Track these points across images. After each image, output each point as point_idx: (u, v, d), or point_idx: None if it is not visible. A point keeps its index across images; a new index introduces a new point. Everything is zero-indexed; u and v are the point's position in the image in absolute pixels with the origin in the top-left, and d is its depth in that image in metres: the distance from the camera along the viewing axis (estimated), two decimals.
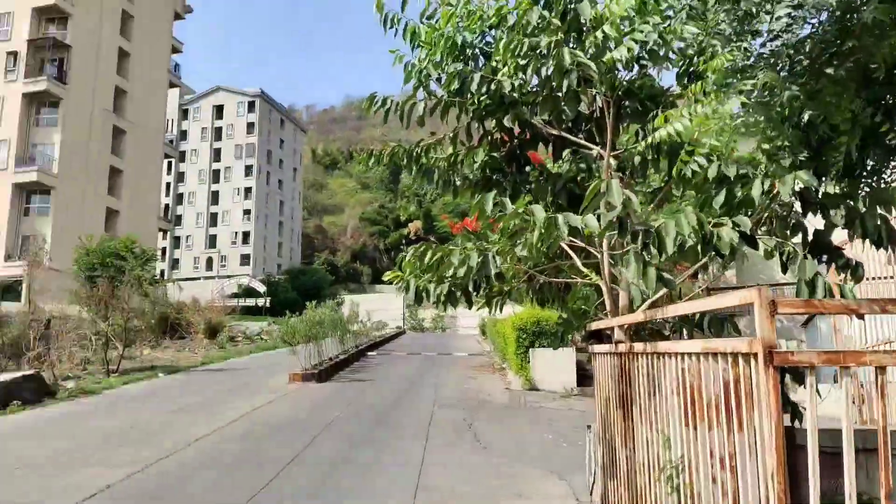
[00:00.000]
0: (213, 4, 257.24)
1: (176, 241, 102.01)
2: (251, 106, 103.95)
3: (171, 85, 66.62)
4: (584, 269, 6.36)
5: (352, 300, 35.63)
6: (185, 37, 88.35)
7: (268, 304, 61.18)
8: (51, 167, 51.06)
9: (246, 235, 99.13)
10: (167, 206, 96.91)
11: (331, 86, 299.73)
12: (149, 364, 23.73)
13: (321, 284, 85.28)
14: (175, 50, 66.36)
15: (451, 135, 6.73)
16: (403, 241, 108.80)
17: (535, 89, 6.14)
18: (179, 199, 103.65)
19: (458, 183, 6.65)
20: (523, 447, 9.94)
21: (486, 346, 32.97)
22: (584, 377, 16.83)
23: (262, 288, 69.84)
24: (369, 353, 27.19)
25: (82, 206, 52.76)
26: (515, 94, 6.07)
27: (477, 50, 6.41)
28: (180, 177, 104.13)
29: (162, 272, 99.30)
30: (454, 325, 70.21)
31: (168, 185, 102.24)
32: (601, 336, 6.76)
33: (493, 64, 6.26)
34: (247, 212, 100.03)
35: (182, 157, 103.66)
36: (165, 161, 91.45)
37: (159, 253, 45.67)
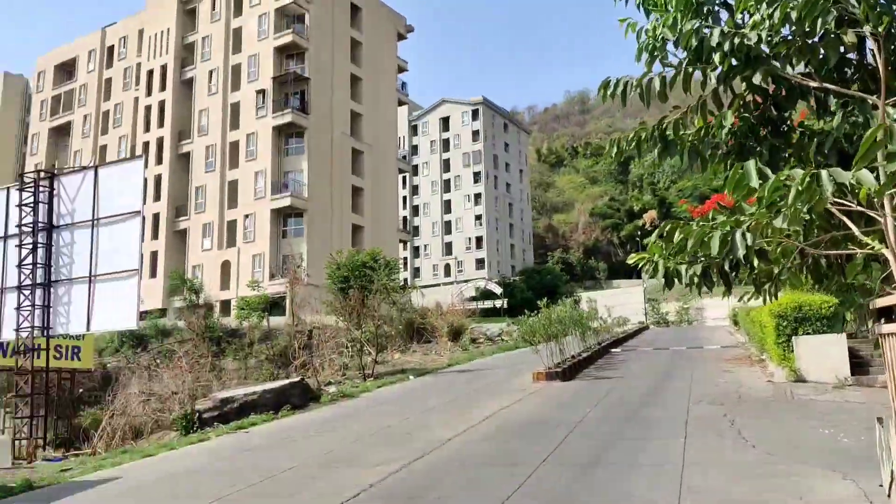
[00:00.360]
0: (431, 21, 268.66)
1: (415, 251, 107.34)
2: (475, 114, 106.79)
3: (400, 103, 70.28)
4: (864, 238, 5.45)
5: (589, 297, 34.99)
6: (407, 55, 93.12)
7: (505, 306, 62.15)
8: (301, 192, 55.77)
9: (479, 240, 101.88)
10: (405, 218, 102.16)
11: (550, 84, 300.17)
12: (399, 367, 24.88)
13: (556, 283, 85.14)
14: (401, 69, 69.87)
15: (695, 106, 6.09)
16: (639, 233, 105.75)
17: (787, 38, 5.39)
18: (416, 210, 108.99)
19: (707, 154, 6.01)
20: (796, 444, 8.92)
21: (739, 337, 30.82)
22: (858, 365, 15.04)
23: (498, 290, 71.23)
24: (612, 350, 26.46)
25: (331, 225, 57.06)
26: (764, 47, 5.37)
27: (716, 6, 5.77)
28: (415, 189, 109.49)
29: (405, 280, 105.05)
30: (701, 317, 66.85)
31: (404, 198, 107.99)
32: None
33: (736, 19, 5.60)
34: (478, 217, 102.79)
35: (415, 170, 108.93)
36: (400, 175, 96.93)
37: (401, 262, 48.26)
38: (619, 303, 50.10)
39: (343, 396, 16.98)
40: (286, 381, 16.04)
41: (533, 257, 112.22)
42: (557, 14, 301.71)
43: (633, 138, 6.27)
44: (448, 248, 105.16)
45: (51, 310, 17.58)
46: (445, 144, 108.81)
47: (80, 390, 37.72)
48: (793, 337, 15.38)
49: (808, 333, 15.33)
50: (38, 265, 17.68)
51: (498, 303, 65.95)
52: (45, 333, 17.68)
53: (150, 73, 65.68)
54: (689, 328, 52.81)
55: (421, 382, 19.64)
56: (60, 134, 74.90)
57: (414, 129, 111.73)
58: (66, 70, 76.56)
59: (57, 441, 27.32)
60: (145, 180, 63.66)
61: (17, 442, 17.96)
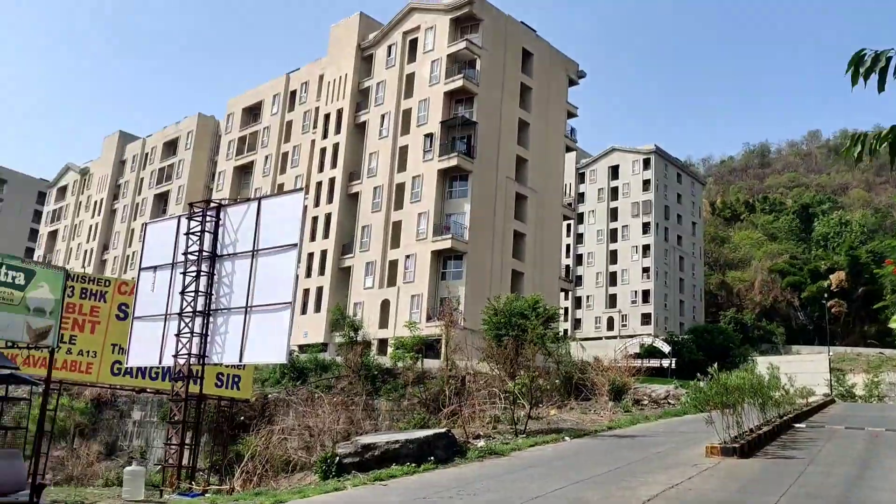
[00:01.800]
0: (603, 67, 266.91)
1: (577, 302, 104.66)
2: (646, 163, 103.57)
3: (568, 149, 69.10)
4: None
5: (770, 363, 31.68)
6: (578, 101, 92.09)
7: (673, 366, 58.52)
8: (463, 234, 55.62)
9: (646, 294, 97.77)
10: (567, 266, 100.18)
11: (727, 136, 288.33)
12: (554, 426, 23.27)
13: (728, 344, 79.53)
14: (570, 115, 68.82)
15: None
16: (825, 295, 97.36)
17: None
18: (579, 259, 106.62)
19: None
20: None
21: None
22: None
23: (666, 348, 67.41)
24: (796, 425, 23.42)
25: (490, 269, 56.42)
26: None
27: None
28: (579, 238, 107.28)
29: (565, 332, 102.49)
30: (894, 393, 59.79)
31: (568, 246, 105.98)
32: None
33: None
34: (645, 270, 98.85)
35: (580, 218, 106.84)
36: (564, 223, 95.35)
37: (561, 312, 46.54)
38: (800, 371, 45.63)
39: (491, 453, 15.69)
40: (431, 432, 14.99)
41: (703, 315, 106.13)
42: (735, 63, 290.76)
43: (886, 134, 4.65)
44: (612, 301, 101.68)
45: (208, 338, 17.65)
46: (614, 193, 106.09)
47: (242, 418, 38.85)
48: None
49: None
50: (200, 293, 17.86)
51: (665, 362, 62.26)
52: (201, 362, 17.74)
53: (327, 116, 68.68)
54: (885, 406, 47.01)
55: (577, 445, 17.96)
56: (243, 172, 79.96)
57: (581, 177, 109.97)
58: (252, 112, 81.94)
59: (213, 468, 27.86)
60: (316, 218, 66.35)
61: (164, 470, 18.07)
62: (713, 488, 11.28)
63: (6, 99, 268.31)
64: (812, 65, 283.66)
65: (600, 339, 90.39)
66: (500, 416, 24.81)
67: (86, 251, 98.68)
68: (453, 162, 56.66)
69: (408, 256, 58.30)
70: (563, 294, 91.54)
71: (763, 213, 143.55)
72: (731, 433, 16.45)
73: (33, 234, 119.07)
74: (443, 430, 15.39)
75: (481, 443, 17.64)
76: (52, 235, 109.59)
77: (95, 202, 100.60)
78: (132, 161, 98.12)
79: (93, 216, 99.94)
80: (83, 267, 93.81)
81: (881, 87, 4.43)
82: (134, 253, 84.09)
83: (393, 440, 14.05)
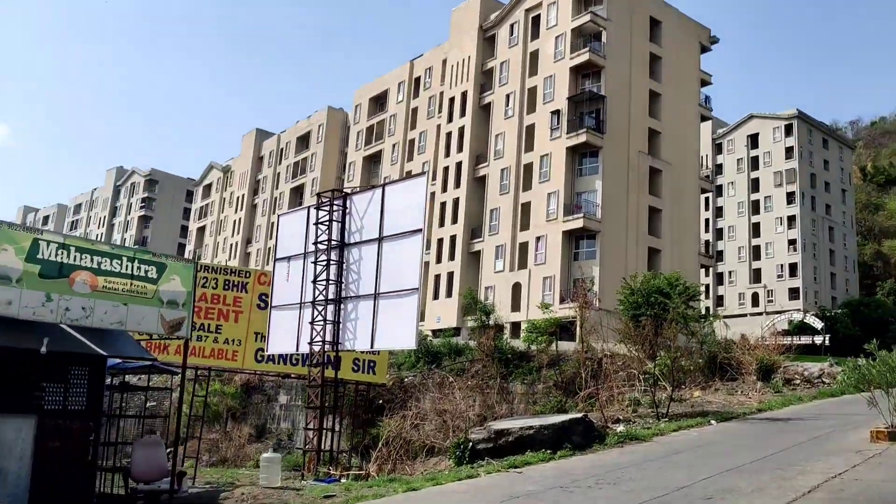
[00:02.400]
0: (739, 30, 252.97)
1: (719, 278, 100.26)
2: (788, 129, 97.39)
3: (703, 118, 65.90)
4: None
5: None
6: (712, 68, 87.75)
7: (827, 342, 54.77)
8: (595, 213, 54.19)
9: (792, 267, 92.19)
10: (707, 242, 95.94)
11: (878, 95, 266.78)
12: (699, 409, 22.12)
13: (888, 318, 73.80)
14: (703, 83, 65.53)
15: None
16: None
17: None
18: (719, 234, 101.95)
19: None
20: None
21: None
22: None
23: (818, 324, 63.17)
24: None
25: (625, 248, 54.74)
26: None
27: None
28: (718, 212, 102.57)
29: (707, 309, 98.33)
30: None
31: (707, 220, 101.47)
32: None
33: None
34: (791, 242, 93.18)
35: (719, 191, 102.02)
36: (702, 196, 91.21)
37: (702, 289, 44.33)
38: None
39: (631, 439, 14.95)
40: (567, 417, 14.44)
41: (858, 288, 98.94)
42: (880, 14, 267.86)
43: None
44: (756, 276, 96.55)
45: (339, 325, 17.83)
46: (754, 163, 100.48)
47: (380, 402, 39.53)
48: None
49: None
50: (331, 281, 18.06)
51: (818, 339, 58.34)
52: (335, 348, 17.96)
53: (452, 100, 68.72)
54: None
55: (724, 429, 16.88)
56: (372, 161, 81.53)
57: (718, 148, 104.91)
58: (378, 102, 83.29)
59: (354, 449, 28.49)
60: (444, 203, 66.67)
61: (305, 453, 18.46)
62: (883, 478, 10.13)
63: (153, 104, 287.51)
64: None
65: (745, 315, 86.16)
66: (639, 399, 23.82)
67: (231, 245, 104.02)
68: (582, 138, 55.22)
69: (538, 238, 57.49)
70: (703, 270, 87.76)
71: None
72: None
73: (183, 230, 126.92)
74: (579, 414, 14.79)
75: (620, 427, 16.91)
76: (201, 231, 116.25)
77: (237, 198, 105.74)
78: (269, 157, 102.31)
79: (236, 211, 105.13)
80: (229, 260, 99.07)
81: None
82: (274, 245, 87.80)
83: (527, 426, 13.61)
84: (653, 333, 33.81)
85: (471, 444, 13.79)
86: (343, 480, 14.02)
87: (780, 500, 8.79)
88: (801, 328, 65.23)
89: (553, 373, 38.96)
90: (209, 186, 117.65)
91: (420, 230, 16.57)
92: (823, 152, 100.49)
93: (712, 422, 18.10)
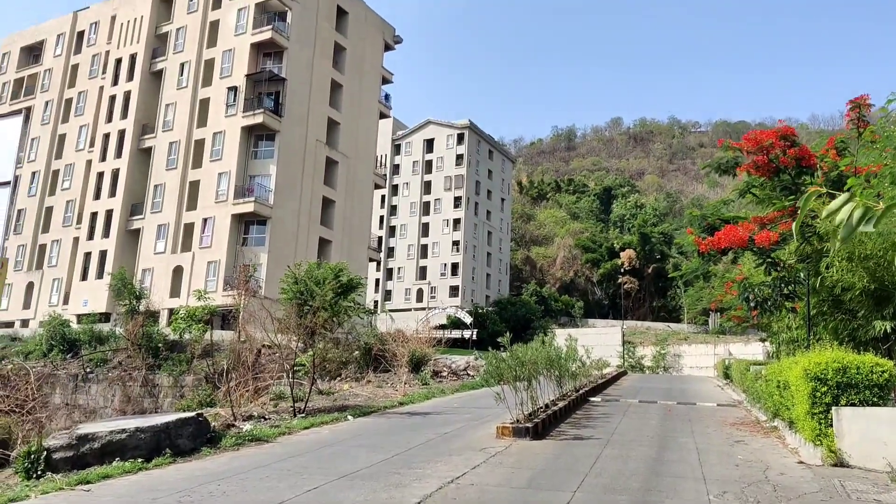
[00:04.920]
0: (420, 39, 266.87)
1: (389, 273, 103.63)
2: (460, 138, 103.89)
3: (382, 115, 66.90)
4: None
5: (569, 334, 31.44)
6: (393, 69, 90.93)
7: (474, 337, 58.45)
8: (267, 198, 52.04)
9: (455, 267, 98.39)
10: (380, 238, 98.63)
11: (537, 119, 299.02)
12: (343, 402, 21.16)
13: (530, 316, 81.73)
14: (385, 80, 66.67)
15: None
16: (620, 273, 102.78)
17: None
18: (392, 231, 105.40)
19: None
20: None
21: (733, 394, 27.38)
22: None
23: (468, 319, 67.48)
24: (592, 399, 22.89)
25: (296, 236, 53.33)
26: None
27: None
28: (393, 210, 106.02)
29: (376, 303, 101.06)
30: (678, 364, 63.62)
31: (381, 218, 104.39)
32: None
33: None
34: (455, 243, 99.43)
35: (395, 190, 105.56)
36: (378, 193, 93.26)
37: (365, 280, 44.13)
38: (596, 343, 46.73)
39: (253, 440, 13.21)
40: (174, 417, 12.23)
41: (508, 289, 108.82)
42: (549, 47, 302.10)
43: None
44: (423, 273, 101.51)
45: None
46: (428, 166, 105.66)
47: None
48: (833, 408, 11.90)
49: (852, 404, 11.87)
50: None
51: (467, 333, 62.16)
52: None
53: (119, 61, 61.97)
54: (671, 377, 49.39)
55: (359, 426, 15.90)
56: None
57: (397, 149, 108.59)
58: (32, 52, 72.58)
59: None
60: (101, 174, 59.71)
61: None
62: (499, 482, 9.54)
63: None
64: (617, 56, 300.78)
65: (410, 310, 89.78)
66: (283, 393, 22.29)
67: None
68: (259, 119, 52.71)
69: (205, 220, 53.80)
70: (374, 265, 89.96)
71: (567, 194, 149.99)
72: (525, 409, 15.08)
73: None
74: (191, 413, 12.66)
75: (248, 426, 15.11)
76: None
77: None
78: None
79: None
80: None
81: None
82: None
83: (119, 429, 11.16)
84: (312, 324, 32.81)
85: (45, 452, 10.99)
86: None
87: None
88: (456, 323, 69.30)
89: (206, 364, 36.21)
90: None
91: (8, 183, 13.24)
92: (489, 163, 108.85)
93: (349, 417, 17.11)
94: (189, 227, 54.74)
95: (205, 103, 56.70)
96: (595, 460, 11.36)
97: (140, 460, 10.65)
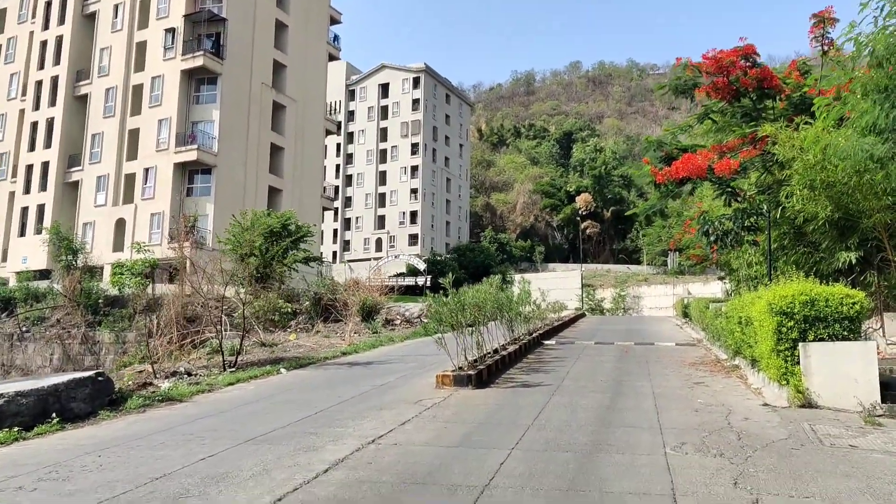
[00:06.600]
0: None
1: (347, 223, 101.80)
2: (416, 82, 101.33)
3: (332, 57, 64.39)
4: None
5: (523, 278, 30.48)
6: (344, 10, 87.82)
7: (428, 283, 57.33)
8: (211, 145, 49.79)
9: (414, 215, 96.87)
10: (337, 187, 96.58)
11: (496, 64, 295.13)
12: (283, 354, 19.88)
13: (489, 263, 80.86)
14: (333, 21, 63.98)
15: None
16: (579, 217, 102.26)
17: None
18: (349, 180, 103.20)
19: None
20: None
21: (692, 333, 26.67)
22: (886, 387, 10.71)
23: (421, 265, 66.27)
24: (546, 343, 21.92)
25: (244, 185, 51.33)
26: None
27: None
28: (349, 158, 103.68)
29: (334, 254, 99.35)
30: (638, 305, 63.48)
31: (337, 166, 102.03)
32: None
33: None
34: (414, 191, 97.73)
35: (350, 137, 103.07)
36: (333, 140, 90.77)
37: (315, 228, 42.38)
38: (555, 287, 45.99)
39: (165, 400, 11.86)
40: (67, 377, 10.77)
41: (469, 236, 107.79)
42: None
43: None
44: (381, 222, 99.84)
45: None
46: (384, 112, 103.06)
47: None
48: (800, 344, 10.91)
49: (821, 339, 10.88)
50: None
51: (421, 280, 61.01)
52: None
53: (48, 4, 58.33)
54: (630, 318, 49.01)
55: (291, 379, 14.63)
56: None
57: (352, 95, 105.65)
58: None
59: None
60: (35, 124, 56.65)
61: None
62: (427, 440, 8.34)
63: None
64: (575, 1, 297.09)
65: (369, 260, 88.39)
66: (220, 347, 20.90)
67: None
68: (199, 62, 50.05)
69: (147, 169, 51.37)
70: (332, 215, 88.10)
71: (527, 139, 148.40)
72: (469, 356, 13.94)
73: None
74: (88, 373, 11.21)
75: (166, 384, 13.75)
76: None
77: None
78: None
79: None
80: None
81: None
82: None
83: None
84: (260, 274, 31.32)
85: None
86: None
87: (280, 488, 6.36)
88: (412, 271, 68.14)
89: (147, 320, 34.62)
90: None
91: None
92: (446, 107, 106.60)
93: (282, 370, 15.82)
94: (130, 178, 52.28)
95: (142, 46, 53.69)
96: (541, 410, 10.25)
97: (17, 429, 9.24)
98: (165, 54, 51.61)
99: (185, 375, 15.64)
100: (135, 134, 52.48)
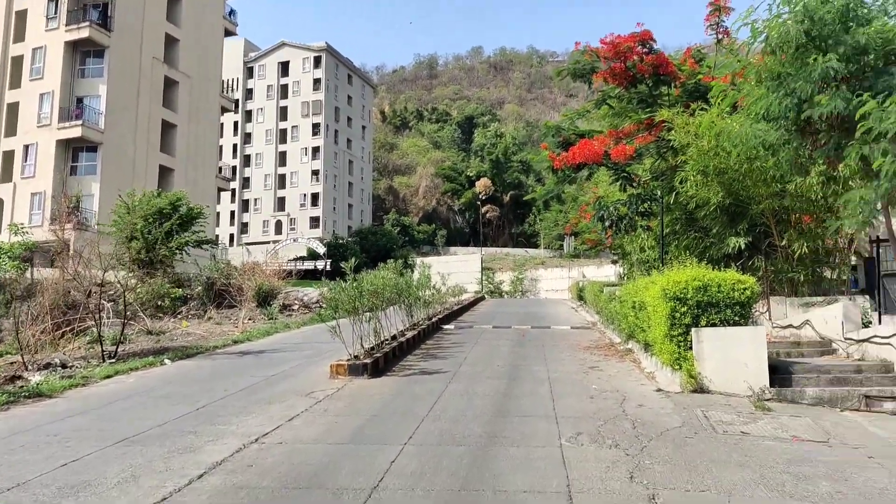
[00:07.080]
0: None
1: (245, 205, 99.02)
2: (317, 61, 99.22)
3: (228, 32, 61.97)
4: None
5: (423, 262, 30.24)
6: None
7: (329, 268, 56.43)
8: (97, 121, 47.13)
9: (315, 197, 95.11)
10: (234, 168, 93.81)
11: (399, 46, 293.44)
12: (170, 342, 18.90)
13: (391, 246, 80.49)
14: None
15: None
16: (479, 201, 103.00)
17: None
18: (247, 160, 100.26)
19: None
20: None
21: (587, 316, 27.08)
22: (774, 371, 10.97)
23: (321, 249, 65.13)
24: (445, 327, 21.73)
25: (133, 163, 48.90)
26: None
27: None
28: (247, 138, 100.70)
29: (231, 237, 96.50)
30: (535, 288, 64.47)
31: (235, 146, 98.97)
32: None
33: None
34: (315, 172, 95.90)
35: (248, 116, 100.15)
36: (230, 120, 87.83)
37: (208, 210, 40.80)
38: (455, 270, 46.06)
39: (33, 395, 10.92)
40: None
41: (371, 219, 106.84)
42: None
43: None
44: (281, 204, 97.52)
45: None
46: (284, 91, 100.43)
47: None
48: (693, 329, 11.04)
49: (713, 324, 11.04)
50: None
51: (320, 264, 59.94)
52: None
53: None
54: (528, 301, 49.63)
55: (175, 371, 13.83)
56: None
57: (250, 72, 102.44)
58: None
59: None
60: None
61: None
62: (316, 437, 7.89)
63: None
64: None
65: (268, 243, 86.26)
66: (105, 335, 19.68)
67: None
68: (84, 33, 47.05)
69: (27, 146, 48.11)
70: (229, 195, 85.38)
71: (430, 123, 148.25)
72: (366, 343, 13.53)
73: None
74: None
75: (37, 377, 12.73)
76: None
77: None
78: None
79: None
80: None
81: None
82: None
83: None
84: (144, 258, 29.80)
85: None
86: None
87: (147, 498, 5.79)
88: (312, 255, 66.93)
89: (26, 307, 32.45)
90: None
91: None
92: (348, 88, 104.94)
93: (167, 361, 14.97)
94: (9, 155, 48.87)
95: (21, 15, 50.10)
96: (437, 399, 9.96)
97: None
98: (48, 24, 48.37)
99: (60, 367, 14.57)
100: (14, 108, 49.05)
